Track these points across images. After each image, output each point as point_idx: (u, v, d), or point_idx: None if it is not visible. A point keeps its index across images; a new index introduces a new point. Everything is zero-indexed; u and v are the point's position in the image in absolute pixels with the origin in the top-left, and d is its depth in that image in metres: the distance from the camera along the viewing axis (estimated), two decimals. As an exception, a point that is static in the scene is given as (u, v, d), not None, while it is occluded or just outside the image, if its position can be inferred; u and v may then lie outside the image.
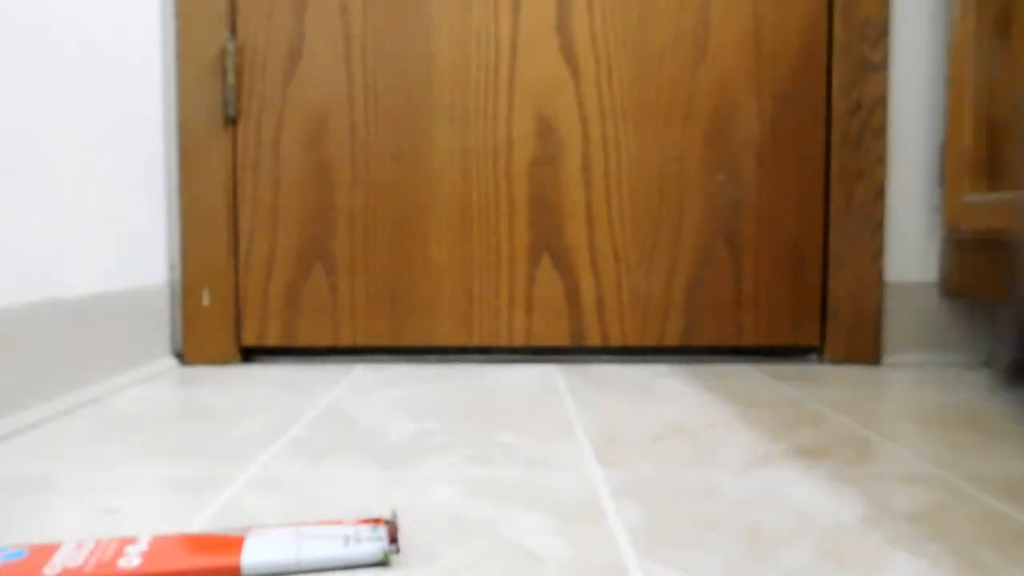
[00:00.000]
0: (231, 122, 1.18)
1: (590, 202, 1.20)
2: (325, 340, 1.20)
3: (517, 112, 1.19)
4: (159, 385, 1.03)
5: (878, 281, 1.19)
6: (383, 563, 0.47)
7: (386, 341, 1.20)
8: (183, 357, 1.17)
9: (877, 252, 1.18)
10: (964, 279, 1.13)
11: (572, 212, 1.20)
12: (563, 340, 1.21)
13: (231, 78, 1.16)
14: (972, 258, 1.11)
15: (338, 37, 1.18)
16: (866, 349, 1.19)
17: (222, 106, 1.16)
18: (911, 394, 0.98)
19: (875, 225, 1.18)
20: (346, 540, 0.47)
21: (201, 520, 0.54)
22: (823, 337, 1.22)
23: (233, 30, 1.17)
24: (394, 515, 0.49)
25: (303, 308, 1.20)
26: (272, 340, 1.20)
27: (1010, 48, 1.00)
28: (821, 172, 1.20)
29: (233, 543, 0.46)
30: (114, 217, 1.02)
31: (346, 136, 1.19)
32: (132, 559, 0.44)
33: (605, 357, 1.24)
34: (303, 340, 1.20)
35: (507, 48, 1.19)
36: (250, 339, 1.20)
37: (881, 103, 1.17)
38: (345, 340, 1.20)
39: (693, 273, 1.21)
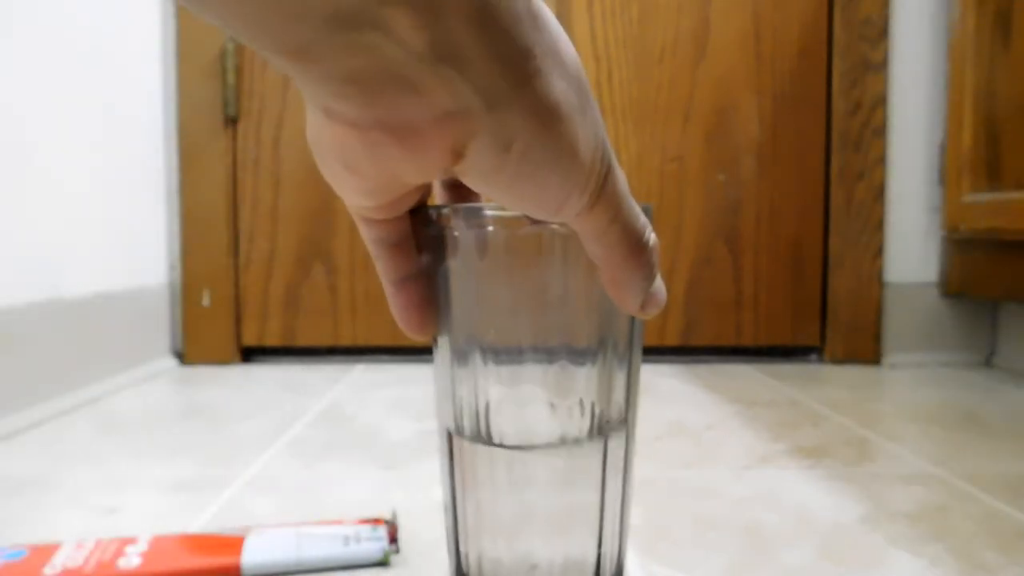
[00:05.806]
0: (231, 122, 1.18)
1: (590, 202, 1.20)
2: (325, 340, 1.20)
3: (517, 112, 1.19)
4: (159, 385, 1.03)
5: (878, 281, 1.19)
6: (383, 563, 0.47)
7: (386, 341, 1.20)
8: (183, 357, 1.17)
9: (877, 252, 1.18)
10: (964, 279, 1.13)
11: (572, 212, 1.20)
12: (563, 340, 1.21)
13: (231, 78, 1.16)
14: (972, 258, 1.11)
15: (338, 37, 1.18)
16: (866, 349, 1.19)
17: (222, 106, 1.16)
18: (911, 394, 0.98)
19: (875, 225, 1.18)
20: (346, 540, 0.47)
21: (201, 520, 0.54)
22: (823, 337, 1.22)
23: (233, 30, 1.17)
24: (394, 515, 0.49)
25: (303, 308, 1.19)
26: (272, 340, 1.20)
27: (1010, 48, 1.00)
28: (821, 172, 1.20)
29: (233, 543, 0.46)
30: (114, 217, 1.02)
31: (346, 136, 1.18)
32: (132, 559, 0.44)
33: (605, 357, 1.24)
34: (303, 340, 1.20)
35: (507, 48, 1.18)
36: (250, 339, 1.20)
37: (881, 103, 1.17)
38: (345, 340, 1.20)
39: (693, 273, 1.21)
